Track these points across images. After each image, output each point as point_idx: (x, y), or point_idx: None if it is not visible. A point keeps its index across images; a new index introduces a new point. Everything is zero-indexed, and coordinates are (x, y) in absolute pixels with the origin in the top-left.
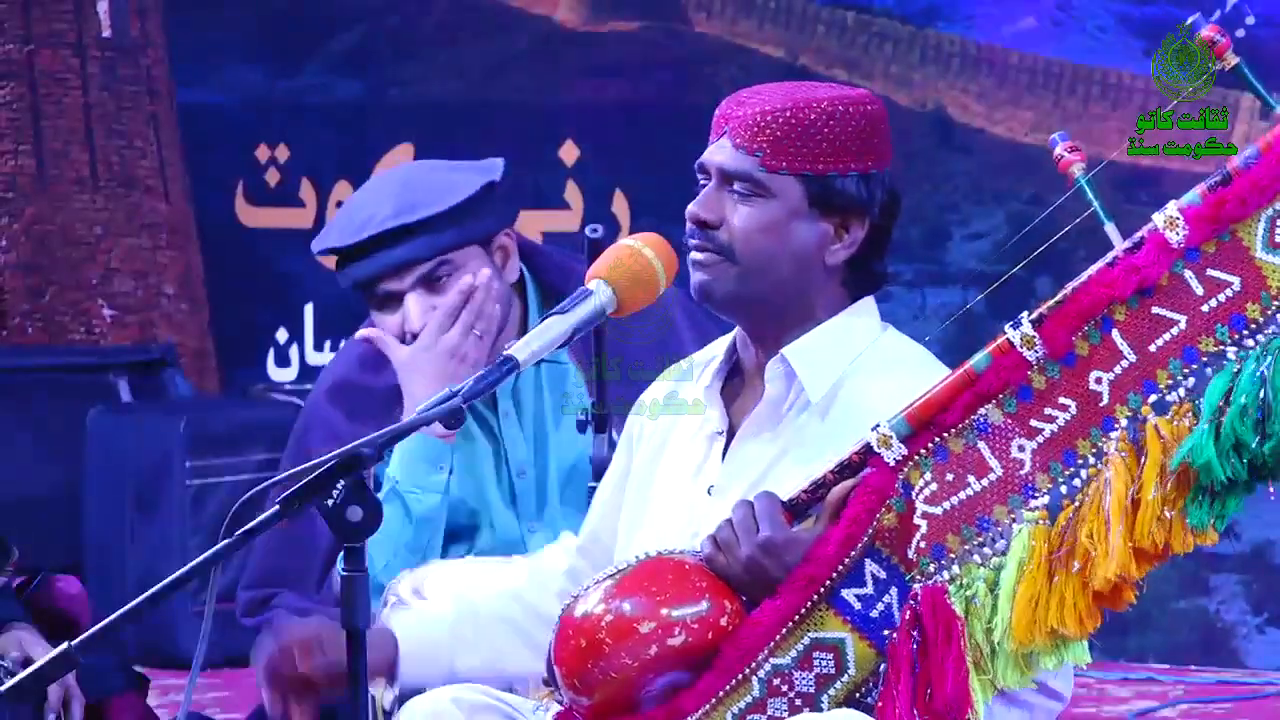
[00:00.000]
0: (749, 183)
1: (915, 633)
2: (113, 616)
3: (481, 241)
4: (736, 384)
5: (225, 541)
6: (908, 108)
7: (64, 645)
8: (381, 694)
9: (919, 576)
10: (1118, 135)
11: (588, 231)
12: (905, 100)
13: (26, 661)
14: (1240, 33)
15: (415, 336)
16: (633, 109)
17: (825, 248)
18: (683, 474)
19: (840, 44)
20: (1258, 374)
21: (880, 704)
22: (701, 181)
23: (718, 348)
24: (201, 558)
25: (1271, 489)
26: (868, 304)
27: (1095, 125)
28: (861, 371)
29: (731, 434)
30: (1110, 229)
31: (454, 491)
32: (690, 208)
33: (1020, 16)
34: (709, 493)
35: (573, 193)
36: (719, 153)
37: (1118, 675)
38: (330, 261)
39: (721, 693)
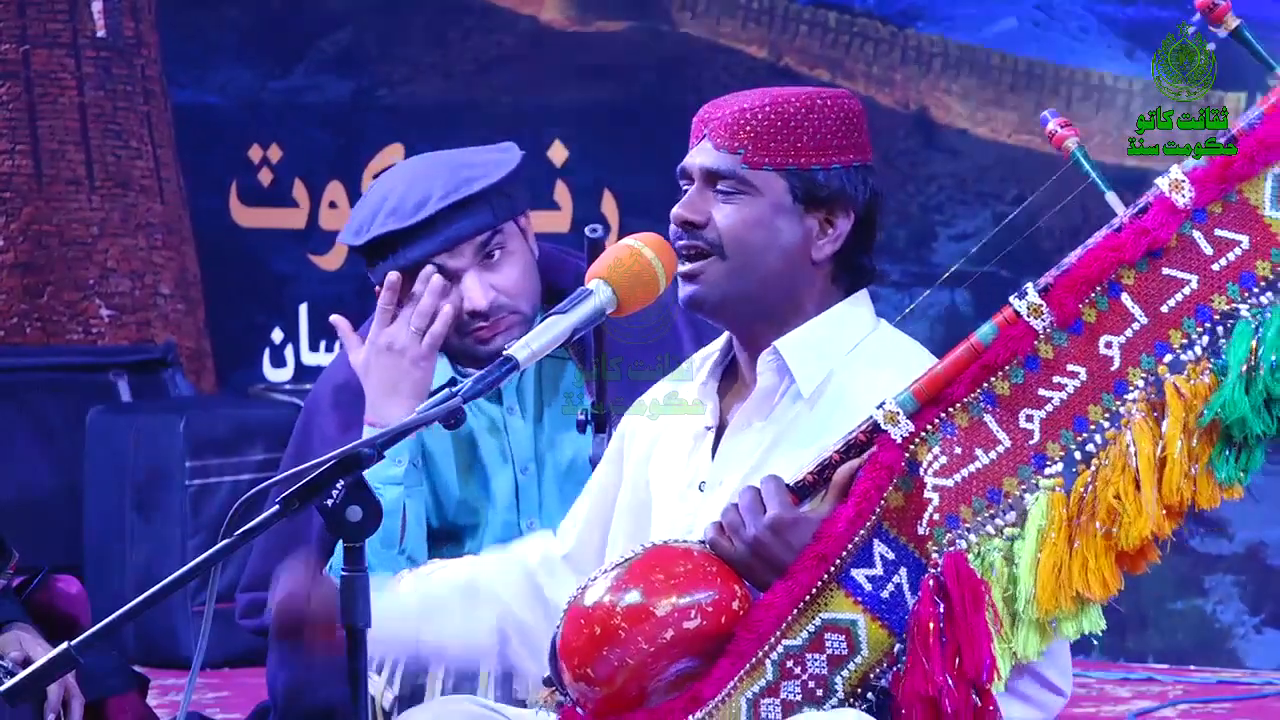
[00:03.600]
0: (732, 180)
1: (939, 599)
2: (113, 616)
3: (515, 218)
4: (730, 382)
5: (225, 541)
6: (890, 108)
7: (64, 645)
8: (381, 694)
9: (935, 548)
10: (1101, 136)
11: (587, 232)
12: (888, 101)
13: (26, 661)
14: (1222, 33)
15: (475, 315)
16: (620, 109)
17: (811, 242)
18: (674, 471)
19: (823, 44)
20: None
21: (905, 674)
22: (684, 187)
23: (717, 345)
24: (201, 558)
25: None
26: (861, 297)
27: (1079, 126)
28: (854, 364)
29: (722, 430)
30: (1111, 197)
31: (456, 492)
32: (675, 210)
33: (1001, 17)
34: (700, 488)
35: (562, 193)
36: (700, 155)
37: (1117, 675)
38: (328, 262)
39: (737, 678)
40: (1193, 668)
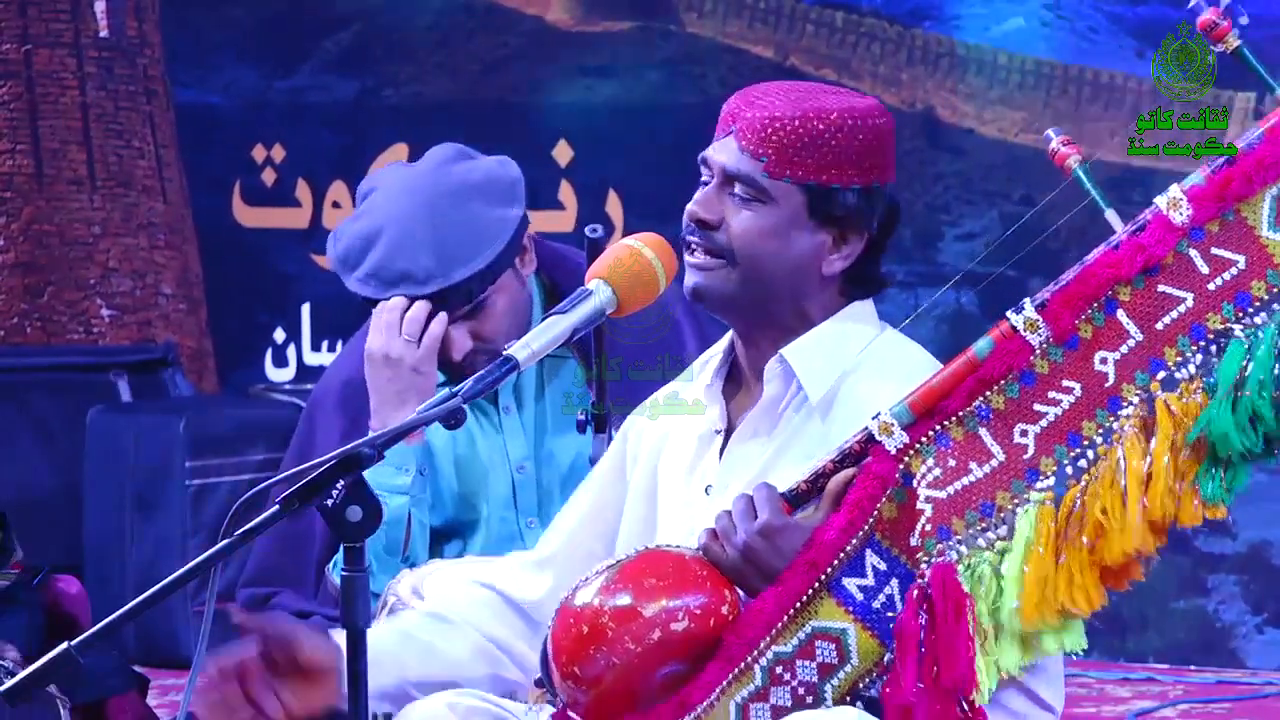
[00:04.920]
0: (751, 187)
1: (923, 609)
2: (113, 616)
3: (511, 264)
4: (735, 383)
5: (225, 541)
6: (896, 108)
7: (64, 645)
8: None
9: (925, 558)
10: (1110, 136)
11: (588, 231)
12: (894, 100)
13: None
14: (1225, 50)
15: (454, 365)
16: (625, 109)
17: (822, 258)
18: (681, 473)
19: (829, 44)
20: (1274, 350)
21: (887, 685)
22: (704, 176)
23: (719, 348)
24: (201, 558)
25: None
26: (865, 305)
27: (1087, 126)
28: (860, 372)
29: (730, 433)
30: (1111, 215)
31: (456, 487)
32: (690, 206)
33: (1009, 17)
34: (706, 492)
35: (566, 193)
36: (723, 152)
37: (1117, 675)
38: (326, 261)
39: (725, 682)
40: (1193, 668)
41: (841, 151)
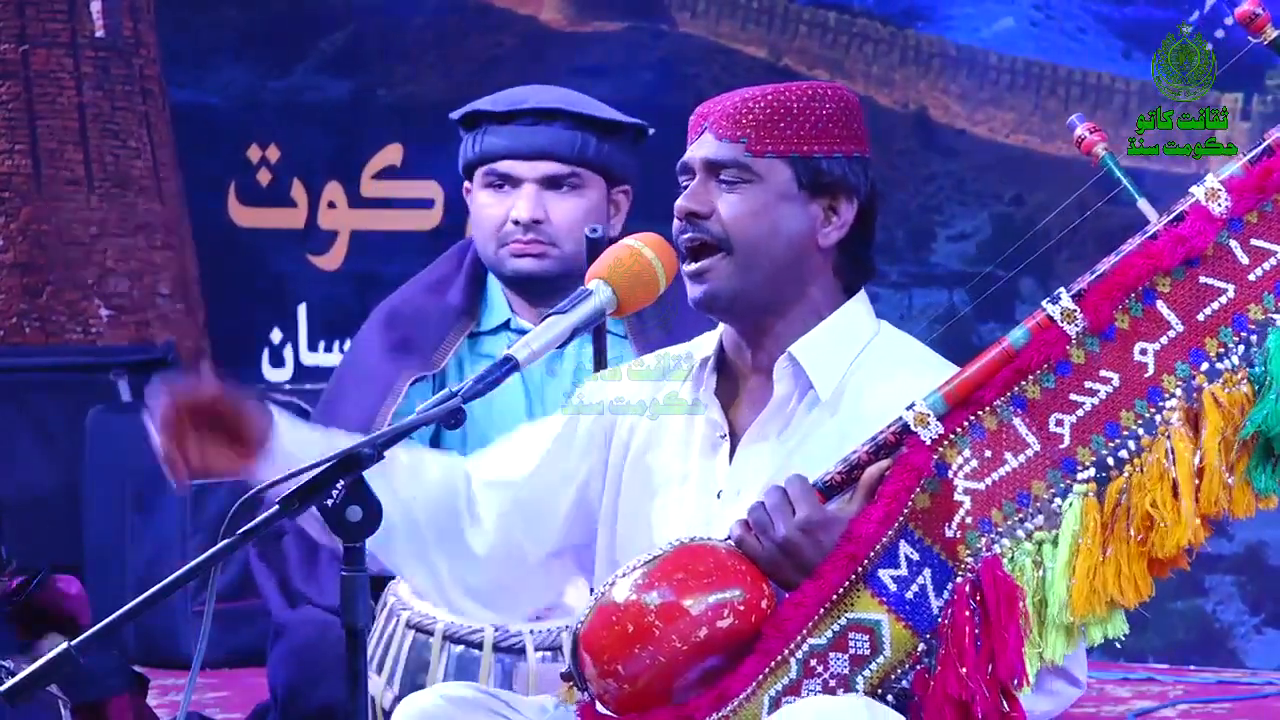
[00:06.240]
0: (736, 169)
1: (974, 602)
2: (113, 616)
3: (608, 179)
4: (729, 385)
5: (225, 541)
6: (889, 108)
7: (64, 645)
8: (381, 694)
9: (968, 551)
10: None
11: (586, 231)
12: (887, 101)
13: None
14: (1220, 33)
15: (516, 224)
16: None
17: (817, 230)
18: (688, 479)
19: (822, 44)
20: None
21: (937, 676)
22: (684, 182)
23: (698, 345)
24: (201, 558)
25: None
26: (862, 298)
27: None
28: (866, 368)
29: (732, 436)
30: (1143, 204)
31: None
32: (679, 202)
33: (999, 18)
34: (718, 497)
35: None
36: (701, 148)
37: (1117, 675)
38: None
39: (762, 675)
40: (1192, 668)
41: (818, 121)
